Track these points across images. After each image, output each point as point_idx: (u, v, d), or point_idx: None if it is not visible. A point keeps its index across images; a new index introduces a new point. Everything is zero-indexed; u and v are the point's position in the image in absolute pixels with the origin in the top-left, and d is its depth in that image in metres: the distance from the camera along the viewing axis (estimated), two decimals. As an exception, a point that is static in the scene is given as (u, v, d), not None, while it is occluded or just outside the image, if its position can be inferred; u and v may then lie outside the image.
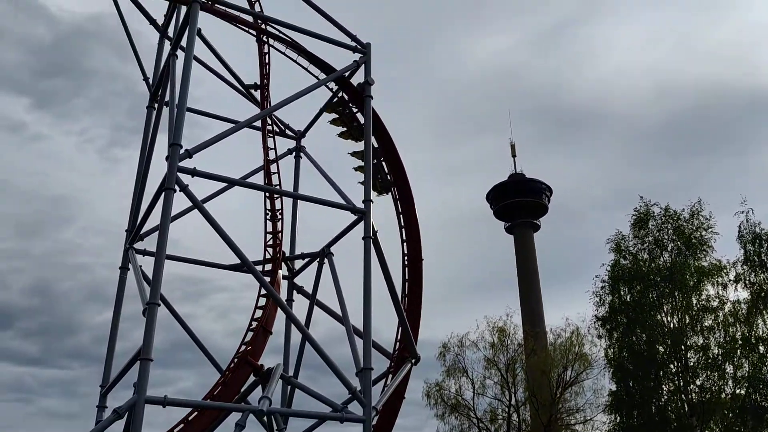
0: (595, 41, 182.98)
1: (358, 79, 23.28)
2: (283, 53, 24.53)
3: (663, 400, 26.02)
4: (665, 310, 26.85)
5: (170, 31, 25.15)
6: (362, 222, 20.45)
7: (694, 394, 25.29)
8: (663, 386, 26.27)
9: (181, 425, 18.87)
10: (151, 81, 25.15)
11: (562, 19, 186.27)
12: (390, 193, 24.50)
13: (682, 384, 25.49)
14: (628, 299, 27.73)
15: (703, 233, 27.72)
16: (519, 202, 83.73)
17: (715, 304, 26.41)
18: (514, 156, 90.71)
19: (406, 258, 23.71)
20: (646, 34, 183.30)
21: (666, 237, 28.24)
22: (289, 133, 27.35)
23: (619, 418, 26.74)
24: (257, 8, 25.41)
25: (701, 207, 27.98)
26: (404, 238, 23.94)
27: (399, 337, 22.89)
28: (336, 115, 24.87)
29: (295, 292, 25.79)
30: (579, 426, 36.21)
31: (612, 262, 28.72)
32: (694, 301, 26.60)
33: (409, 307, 23.23)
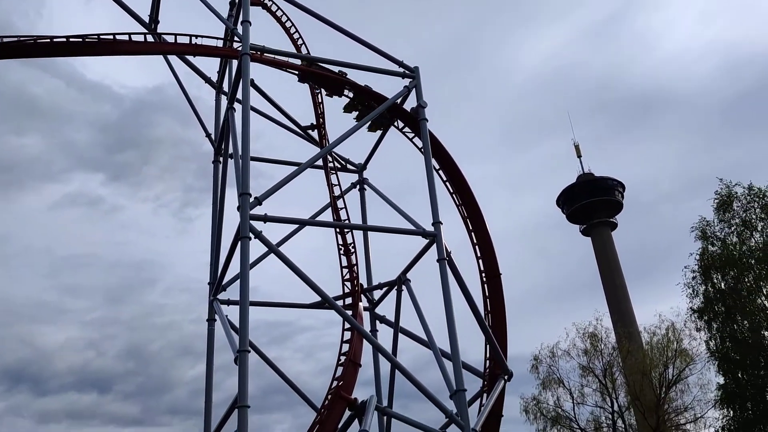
0: (648, 25, 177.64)
1: (410, 103, 23.44)
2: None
3: (777, 388, 24.54)
4: (765, 292, 25.45)
5: (225, 86, 26.10)
6: (434, 245, 20.39)
7: (810, 378, 23.74)
8: (775, 373, 24.80)
9: (285, 467, 19.07)
10: (213, 137, 26.08)
11: (611, 9, 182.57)
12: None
13: (795, 368, 24.00)
14: (722, 286, 26.46)
15: (794, 206, 26.26)
16: (591, 203, 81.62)
17: (817, 279, 24.87)
18: (579, 156, 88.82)
19: (483, 274, 23.43)
20: (701, 7, 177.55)
21: (754, 216, 26.88)
22: (350, 167, 27.70)
23: (732, 412, 25.36)
24: (303, 50, 26.06)
25: (787, 180, 26.58)
26: (479, 254, 23.68)
27: (488, 354, 22.54)
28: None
29: (378, 322, 25.85)
30: (690, 425, 34.50)
31: (700, 250, 27.54)
32: (794, 280, 25.12)
33: (494, 323, 22.87)
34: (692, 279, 27.42)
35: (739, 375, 25.38)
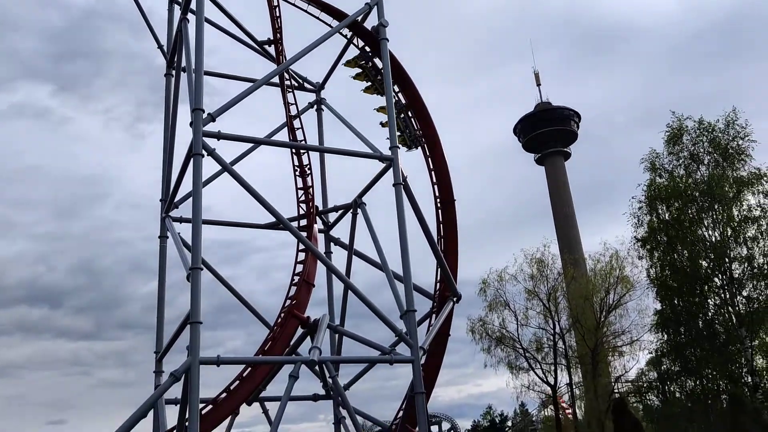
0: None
1: (372, 22, 22.87)
2: (293, 4, 24.17)
3: (710, 314, 25.92)
4: (706, 224, 26.45)
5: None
6: (390, 169, 20.38)
7: (741, 306, 25.09)
8: (709, 300, 26.12)
9: (237, 382, 19.48)
10: (166, 48, 25.06)
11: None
12: (420, 147, 24.20)
13: (728, 296, 25.30)
14: (666, 217, 27.36)
15: (740, 142, 26.98)
16: (547, 132, 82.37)
17: (757, 213, 25.90)
18: (539, 85, 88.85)
19: (438, 200, 23.67)
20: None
21: (702, 150, 27.58)
22: (308, 86, 27.15)
23: (666, 335, 26.77)
24: (262, -39, 24.92)
25: (736, 116, 27.12)
26: (434, 180, 23.84)
27: (438, 278, 23.07)
28: (359, 70, 24.53)
29: (332, 244, 26.06)
30: (626, 347, 36.36)
31: (648, 181, 28.26)
32: (735, 213, 26.10)
33: (446, 248, 23.31)
34: (638, 209, 28.26)
35: (675, 301, 26.65)
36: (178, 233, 21.08)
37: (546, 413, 40.07)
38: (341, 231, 25.91)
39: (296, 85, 26.37)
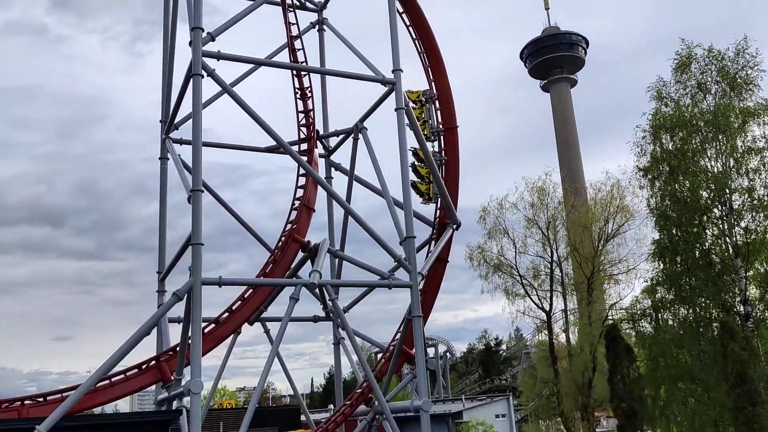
0: None
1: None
2: None
3: (707, 244, 26.11)
4: (709, 155, 26.27)
5: None
6: (393, 93, 20.11)
7: (738, 237, 25.24)
8: (707, 231, 26.26)
9: (239, 302, 19.89)
10: (162, -36, 24.24)
11: None
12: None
13: (726, 227, 25.42)
14: (670, 147, 27.15)
15: (749, 72, 26.41)
16: (554, 58, 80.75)
17: (761, 144, 25.67)
18: (547, 8, 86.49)
19: (440, 126, 23.45)
20: None
21: (709, 79, 27.05)
22: (310, 5, 26.40)
23: (662, 264, 27.03)
24: None
25: (747, 44, 26.43)
26: (437, 106, 23.55)
27: (438, 205, 23.15)
28: None
29: (333, 169, 26.01)
30: (622, 276, 36.86)
31: (653, 110, 27.85)
32: (739, 144, 25.87)
33: (447, 174, 23.28)
34: (642, 138, 27.96)
35: (674, 231, 26.78)
36: (179, 155, 21.04)
37: (540, 338, 41.02)
38: (342, 156, 25.83)
39: (298, 4, 25.64)
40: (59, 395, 17.76)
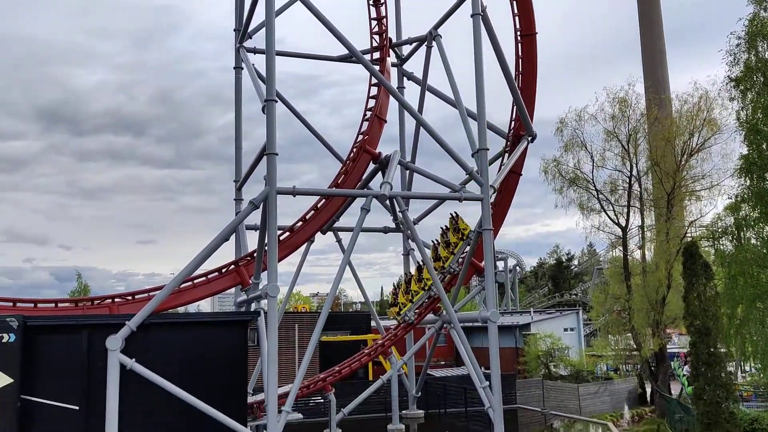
0: None
1: None
2: None
3: (799, 160, 24.57)
4: (810, 63, 24.28)
5: None
6: (469, -3, 19.31)
7: (835, 153, 23.60)
8: (800, 146, 24.65)
9: (312, 212, 20.35)
10: None
11: None
12: None
13: (822, 143, 23.77)
14: (766, 56, 25.22)
15: None
16: (643, -43, 75.00)
17: None
18: None
19: (518, 33, 22.48)
20: None
21: (817, -20, 24.62)
22: None
23: (749, 181, 25.70)
24: None
25: None
26: (515, 11, 22.48)
27: (514, 116, 22.57)
28: None
29: (405, 79, 25.61)
30: (704, 192, 35.34)
31: (750, 15, 25.73)
32: None
33: (524, 84, 22.52)
34: (736, 47, 26.02)
35: (764, 146, 25.29)
36: (253, 64, 21.16)
37: (614, 254, 40.31)
38: (415, 65, 25.33)
39: None
40: (146, 294, 18.97)
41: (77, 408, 14.64)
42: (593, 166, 35.84)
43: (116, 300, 18.84)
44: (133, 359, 14.66)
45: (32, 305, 18.29)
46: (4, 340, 13.71)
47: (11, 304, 17.95)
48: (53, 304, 19.01)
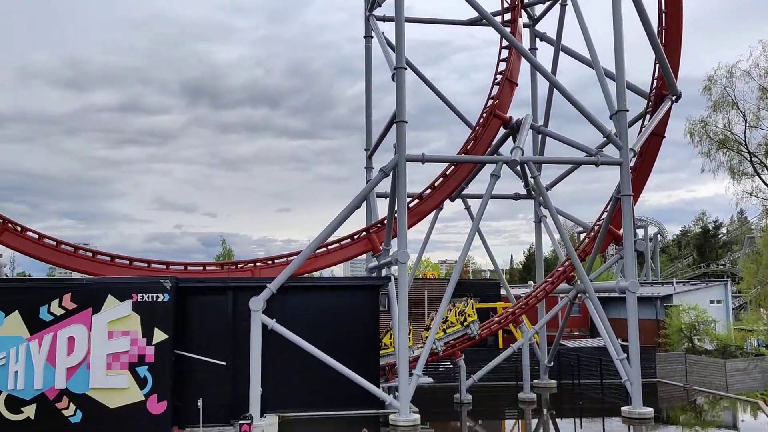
0: None
1: None
2: None
3: None
4: None
5: None
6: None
7: None
8: None
9: (441, 179, 20.30)
10: None
11: None
12: None
13: None
14: None
15: None
16: None
17: None
18: None
19: (661, -16, 20.90)
20: None
21: None
22: None
23: None
24: None
25: None
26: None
27: (656, 75, 21.15)
28: None
29: (537, 40, 24.71)
30: None
31: None
32: None
33: (667, 40, 20.98)
34: None
35: None
36: (382, 32, 21.28)
37: (767, 221, 37.14)
38: (547, 26, 24.35)
39: None
40: (284, 259, 19.94)
41: (224, 363, 15.75)
42: (746, 126, 32.98)
43: (258, 264, 19.95)
44: (274, 319, 15.51)
45: (183, 268, 19.80)
46: (159, 300, 14.94)
47: (164, 266, 19.53)
48: (201, 267, 20.51)
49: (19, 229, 18.67)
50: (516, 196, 24.19)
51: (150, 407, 14.50)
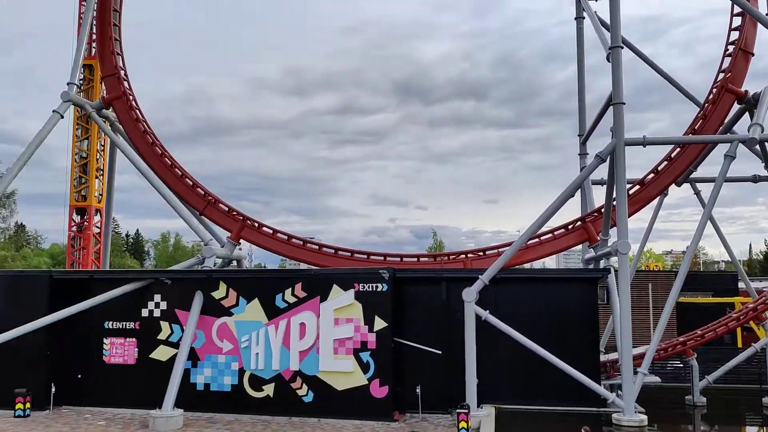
0: None
1: None
2: None
3: None
4: None
5: None
6: None
7: None
8: None
9: (665, 163, 18.84)
10: None
11: None
12: None
13: None
14: None
15: None
16: None
17: None
18: None
19: None
20: None
21: None
22: None
23: None
24: None
25: None
26: None
27: None
28: None
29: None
30: None
31: None
32: None
33: None
34: None
35: None
36: (595, 12, 20.26)
37: None
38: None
39: None
40: (495, 251, 19.89)
41: (440, 352, 16.10)
42: None
43: (469, 255, 20.13)
44: (487, 311, 15.51)
45: (399, 259, 20.64)
46: (378, 289, 15.69)
47: (382, 258, 20.49)
48: (416, 259, 21.22)
49: (257, 225, 20.74)
50: (755, 179, 21.72)
51: (373, 391, 15.30)
